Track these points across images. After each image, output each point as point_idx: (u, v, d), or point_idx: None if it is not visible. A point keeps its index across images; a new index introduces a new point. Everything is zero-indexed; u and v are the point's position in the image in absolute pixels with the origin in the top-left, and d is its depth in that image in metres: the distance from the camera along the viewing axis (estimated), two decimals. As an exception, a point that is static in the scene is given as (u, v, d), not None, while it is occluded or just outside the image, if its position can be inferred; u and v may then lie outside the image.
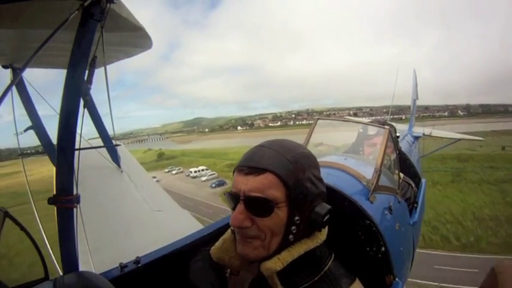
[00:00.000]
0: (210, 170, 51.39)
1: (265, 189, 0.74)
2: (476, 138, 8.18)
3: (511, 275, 0.84)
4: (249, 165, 0.76)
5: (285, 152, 0.78)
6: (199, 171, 51.67)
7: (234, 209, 0.77)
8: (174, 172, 56.72)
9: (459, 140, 6.86)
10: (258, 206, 0.74)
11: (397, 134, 2.57)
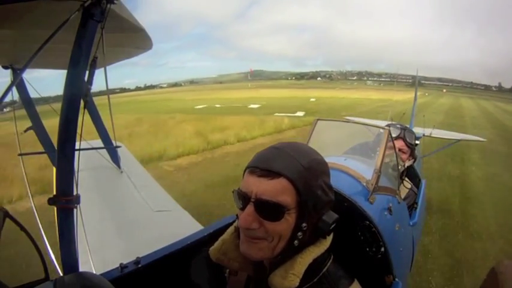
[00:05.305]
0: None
1: (277, 194, 0.72)
2: (478, 138, 8.04)
3: (511, 275, 0.84)
4: (263, 167, 0.74)
5: (299, 157, 0.76)
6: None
7: (241, 209, 0.76)
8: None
9: (459, 140, 6.82)
10: (268, 210, 0.73)
11: (417, 142, 2.51)
